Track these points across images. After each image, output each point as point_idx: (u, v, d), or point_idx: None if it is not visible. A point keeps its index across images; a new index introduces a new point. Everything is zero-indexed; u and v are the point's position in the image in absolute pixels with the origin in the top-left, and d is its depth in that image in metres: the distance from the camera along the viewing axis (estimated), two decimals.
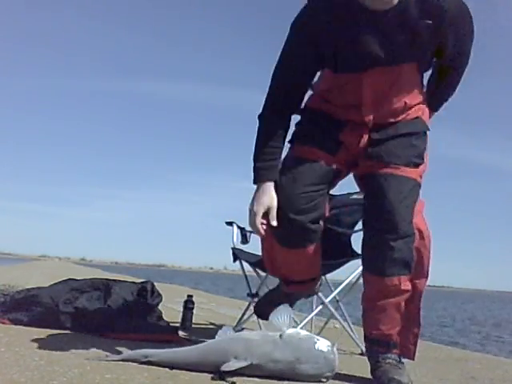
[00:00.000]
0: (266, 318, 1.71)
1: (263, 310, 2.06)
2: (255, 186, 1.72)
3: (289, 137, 1.81)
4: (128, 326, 2.24)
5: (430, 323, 11.38)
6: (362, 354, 2.26)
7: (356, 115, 1.73)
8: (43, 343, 1.88)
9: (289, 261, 1.80)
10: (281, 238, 1.71)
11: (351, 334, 2.44)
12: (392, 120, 1.74)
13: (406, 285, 1.65)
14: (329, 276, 2.61)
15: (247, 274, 2.67)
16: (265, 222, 1.67)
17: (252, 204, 1.69)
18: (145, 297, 2.45)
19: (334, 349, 1.60)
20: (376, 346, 1.68)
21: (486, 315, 20.02)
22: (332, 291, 2.42)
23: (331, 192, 1.89)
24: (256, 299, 2.48)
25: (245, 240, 2.63)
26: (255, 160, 1.74)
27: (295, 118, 1.85)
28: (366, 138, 1.74)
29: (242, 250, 2.66)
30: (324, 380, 1.57)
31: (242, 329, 2.60)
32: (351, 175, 1.87)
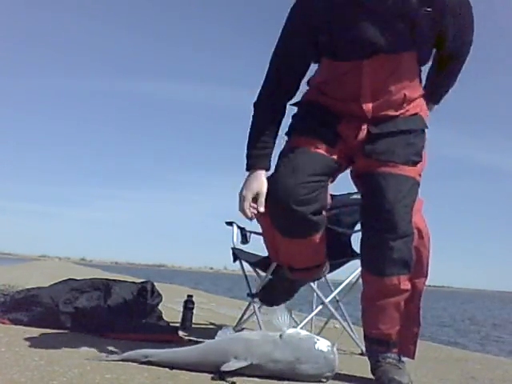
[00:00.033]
0: (271, 305, 1.71)
1: (268, 296, 2.04)
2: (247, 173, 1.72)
3: (285, 129, 1.80)
4: (128, 326, 2.24)
5: (430, 323, 11.38)
6: (362, 354, 2.26)
7: (354, 107, 1.71)
8: (43, 343, 1.88)
9: (292, 250, 1.77)
10: (282, 228, 1.69)
11: (351, 334, 2.44)
12: (391, 113, 1.72)
13: (406, 284, 1.64)
14: (329, 276, 2.61)
15: (247, 273, 2.67)
16: (254, 205, 1.66)
17: (241, 190, 1.70)
18: (145, 297, 2.45)
19: (334, 349, 1.60)
20: (376, 346, 1.68)
21: (486, 315, 20.02)
22: (332, 291, 2.42)
23: (331, 192, 1.89)
24: (256, 299, 2.48)
25: (245, 240, 2.63)
26: (248, 147, 1.74)
27: (292, 111, 1.84)
28: (364, 131, 1.73)
29: (242, 250, 2.66)
30: (324, 380, 1.57)
31: (242, 329, 2.60)
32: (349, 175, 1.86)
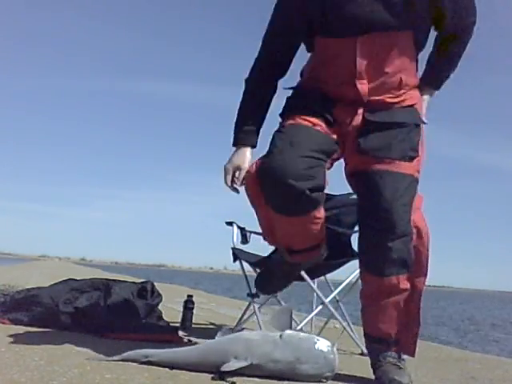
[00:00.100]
0: (268, 293, 1.67)
1: (265, 283, 1.94)
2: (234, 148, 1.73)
3: (280, 111, 1.78)
4: (128, 326, 2.24)
5: (430, 323, 11.38)
6: (362, 354, 2.26)
7: (349, 90, 1.68)
8: (43, 343, 1.89)
9: (289, 229, 1.68)
10: (277, 206, 1.61)
11: (351, 334, 2.43)
12: (388, 99, 1.69)
13: (405, 284, 1.63)
14: (329, 276, 2.62)
15: (247, 274, 2.67)
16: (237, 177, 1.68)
17: (226, 164, 1.71)
18: (145, 297, 2.45)
19: (334, 349, 1.60)
20: (375, 344, 1.68)
21: (486, 315, 20.01)
22: (332, 291, 2.42)
23: (331, 192, 1.88)
24: (256, 299, 2.48)
25: (245, 240, 2.62)
26: (236, 123, 1.74)
27: (286, 95, 1.82)
28: (359, 116, 1.69)
29: (242, 250, 2.66)
30: (324, 380, 1.57)
31: (242, 329, 2.60)
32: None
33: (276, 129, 1.72)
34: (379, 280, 1.63)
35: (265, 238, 1.83)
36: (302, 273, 2.21)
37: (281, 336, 1.57)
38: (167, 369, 1.58)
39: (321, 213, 1.65)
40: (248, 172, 1.67)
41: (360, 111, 1.70)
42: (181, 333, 2.44)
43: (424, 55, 1.83)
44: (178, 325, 2.74)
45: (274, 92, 1.79)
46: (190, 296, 2.91)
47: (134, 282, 2.57)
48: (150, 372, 1.53)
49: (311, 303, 2.67)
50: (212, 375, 1.53)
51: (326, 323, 2.69)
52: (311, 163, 1.57)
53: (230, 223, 2.69)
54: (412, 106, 1.74)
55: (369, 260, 1.67)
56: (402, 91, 1.71)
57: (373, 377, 1.65)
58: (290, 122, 1.70)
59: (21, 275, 8.44)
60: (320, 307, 2.40)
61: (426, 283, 1.72)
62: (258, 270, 2.51)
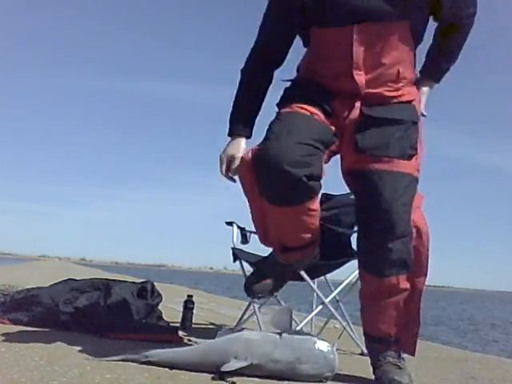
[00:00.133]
0: (258, 298, 1.64)
1: (254, 286, 1.81)
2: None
3: (276, 101, 1.77)
4: (128, 326, 2.24)
5: (430, 323, 11.38)
6: (362, 354, 2.26)
7: (346, 82, 1.66)
8: (43, 343, 1.89)
9: (282, 222, 1.63)
10: (271, 195, 1.56)
11: (351, 334, 2.44)
12: (385, 92, 1.67)
13: (405, 284, 1.63)
14: (329, 276, 2.62)
15: (247, 274, 2.66)
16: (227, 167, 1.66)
17: (220, 153, 1.71)
18: (145, 297, 2.45)
19: (334, 349, 1.60)
20: (375, 344, 1.68)
21: (486, 315, 20.02)
22: (332, 291, 2.42)
23: (331, 192, 1.87)
24: (256, 300, 2.48)
25: (245, 240, 2.62)
26: (231, 113, 1.74)
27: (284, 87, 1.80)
28: (357, 109, 1.68)
29: (242, 250, 2.66)
30: (324, 380, 1.57)
31: (242, 329, 2.59)
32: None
33: (272, 119, 1.70)
34: (379, 280, 1.62)
35: (260, 239, 1.77)
36: (302, 273, 2.21)
37: (281, 336, 1.58)
38: (167, 369, 1.58)
39: (315, 205, 1.62)
40: (243, 159, 1.64)
41: (357, 104, 1.68)
42: (181, 333, 2.44)
43: (422, 50, 1.83)
44: (178, 325, 2.74)
45: (270, 82, 1.79)
46: (190, 296, 2.91)
47: (134, 282, 2.57)
48: (149, 372, 1.53)
49: (311, 303, 2.67)
50: (212, 375, 1.53)
51: (326, 323, 2.69)
52: (309, 151, 1.54)
53: (229, 223, 2.69)
54: (410, 102, 1.72)
55: (368, 260, 1.66)
56: (400, 84, 1.69)
57: (373, 377, 1.65)
58: (287, 109, 1.68)
59: (21, 275, 8.44)
60: (320, 307, 2.40)
61: (426, 283, 1.72)
62: None
